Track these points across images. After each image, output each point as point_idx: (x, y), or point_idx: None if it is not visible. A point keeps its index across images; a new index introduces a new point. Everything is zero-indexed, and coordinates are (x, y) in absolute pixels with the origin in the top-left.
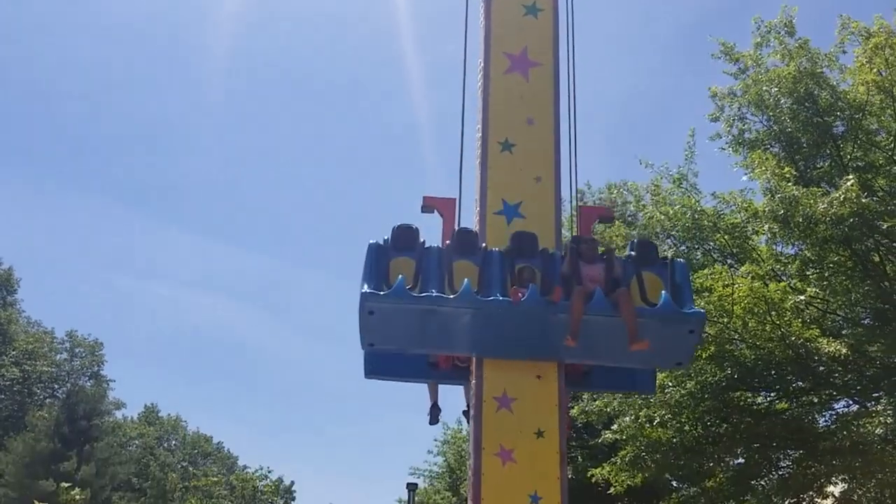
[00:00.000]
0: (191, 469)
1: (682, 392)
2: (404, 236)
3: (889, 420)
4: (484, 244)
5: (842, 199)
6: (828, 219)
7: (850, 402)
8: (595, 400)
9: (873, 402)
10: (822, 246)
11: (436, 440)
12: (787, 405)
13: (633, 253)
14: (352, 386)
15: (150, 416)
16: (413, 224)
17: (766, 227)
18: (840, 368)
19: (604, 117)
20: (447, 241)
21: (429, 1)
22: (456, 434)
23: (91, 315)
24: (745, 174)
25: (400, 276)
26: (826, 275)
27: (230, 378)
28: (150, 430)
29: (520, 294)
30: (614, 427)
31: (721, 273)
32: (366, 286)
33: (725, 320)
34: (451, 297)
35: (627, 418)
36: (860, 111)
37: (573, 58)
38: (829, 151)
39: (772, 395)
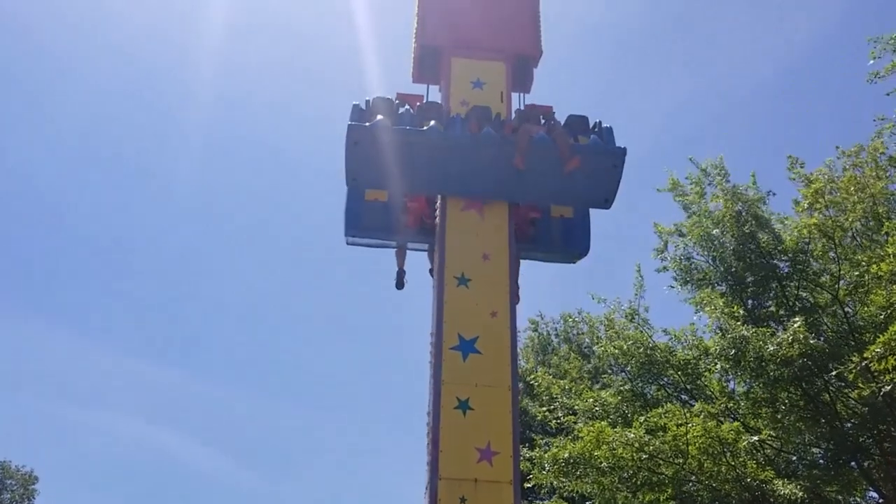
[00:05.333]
0: None
1: None
2: (381, 104)
3: None
4: (448, 109)
5: (790, 340)
6: (777, 359)
7: None
8: None
9: None
10: (774, 385)
11: None
12: None
13: (569, 121)
14: None
15: None
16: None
17: (717, 365)
18: None
19: None
20: (418, 105)
21: None
22: None
23: (24, 444)
24: (696, 313)
25: (380, 116)
26: (779, 416)
27: None
28: None
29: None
30: None
31: (675, 412)
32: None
33: (681, 461)
34: (424, 128)
35: None
36: (803, 253)
37: None
38: (774, 292)
39: None
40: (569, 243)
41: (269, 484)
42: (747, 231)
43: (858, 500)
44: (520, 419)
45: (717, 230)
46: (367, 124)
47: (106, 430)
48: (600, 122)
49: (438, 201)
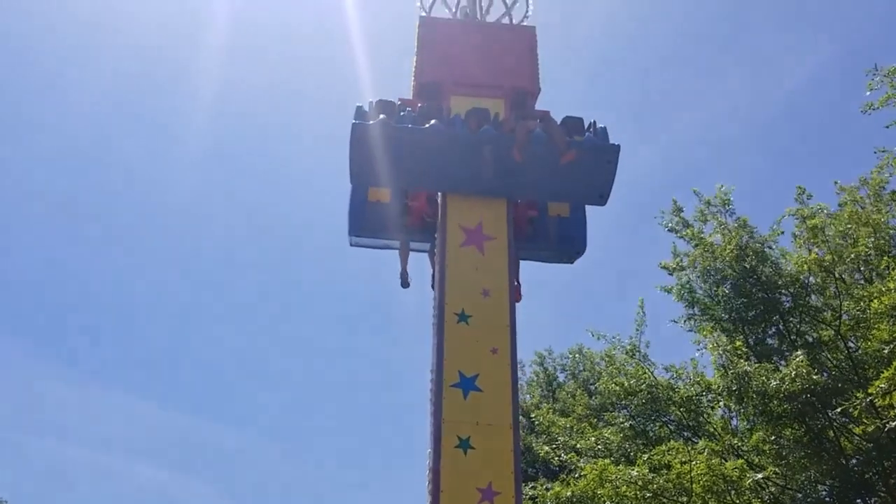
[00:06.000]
0: None
1: None
2: (384, 105)
3: None
4: (448, 108)
5: (793, 375)
6: (781, 395)
7: None
8: None
9: None
10: (777, 421)
11: None
12: None
13: (564, 122)
14: None
15: None
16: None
17: (720, 402)
18: None
19: (557, 285)
20: (419, 106)
21: None
22: None
23: (19, 484)
24: (698, 350)
25: (382, 115)
26: (784, 453)
27: None
28: None
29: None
30: None
31: (679, 449)
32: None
33: (685, 499)
34: (425, 126)
35: None
36: (804, 288)
37: None
38: (776, 327)
39: None
40: (566, 241)
41: None
42: (748, 266)
43: None
44: (523, 457)
45: (719, 264)
46: (371, 122)
47: (102, 469)
48: (594, 122)
49: (439, 199)
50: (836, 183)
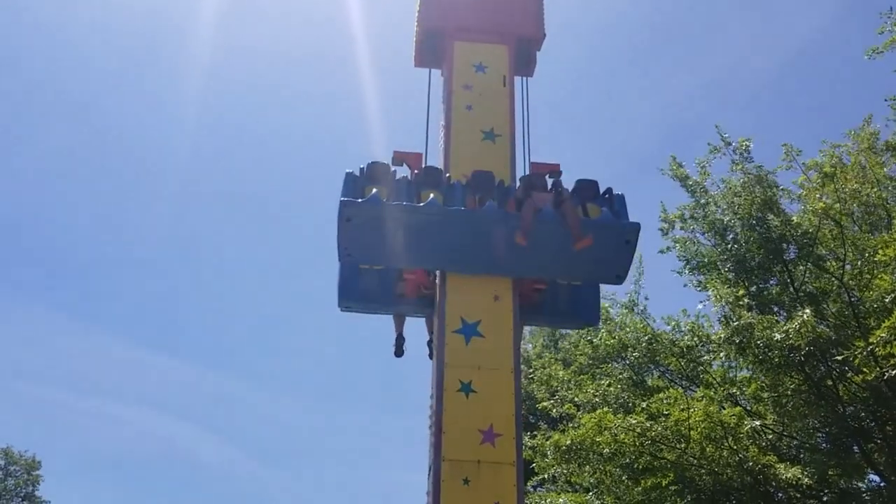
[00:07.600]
0: None
1: None
2: (377, 169)
3: None
4: (448, 175)
5: (798, 328)
6: (784, 347)
7: None
8: None
9: None
10: (777, 371)
11: None
12: None
13: (578, 187)
14: None
15: None
16: (385, 161)
17: (721, 353)
18: (799, 495)
19: None
20: (415, 172)
21: (394, 126)
22: None
23: (27, 432)
24: (701, 302)
25: (374, 190)
26: (784, 401)
27: (176, 501)
28: None
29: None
30: None
31: (677, 397)
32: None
33: (683, 445)
34: (421, 205)
35: None
36: (811, 239)
37: None
38: (779, 276)
39: None
40: (576, 313)
41: (266, 471)
42: (755, 213)
43: (860, 485)
44: (524, 405)
45: (726, 209)
46: (361, 200)
47: (110, 419)
48: (611, 190)
49: (438, 275)
50: (824, 141)
